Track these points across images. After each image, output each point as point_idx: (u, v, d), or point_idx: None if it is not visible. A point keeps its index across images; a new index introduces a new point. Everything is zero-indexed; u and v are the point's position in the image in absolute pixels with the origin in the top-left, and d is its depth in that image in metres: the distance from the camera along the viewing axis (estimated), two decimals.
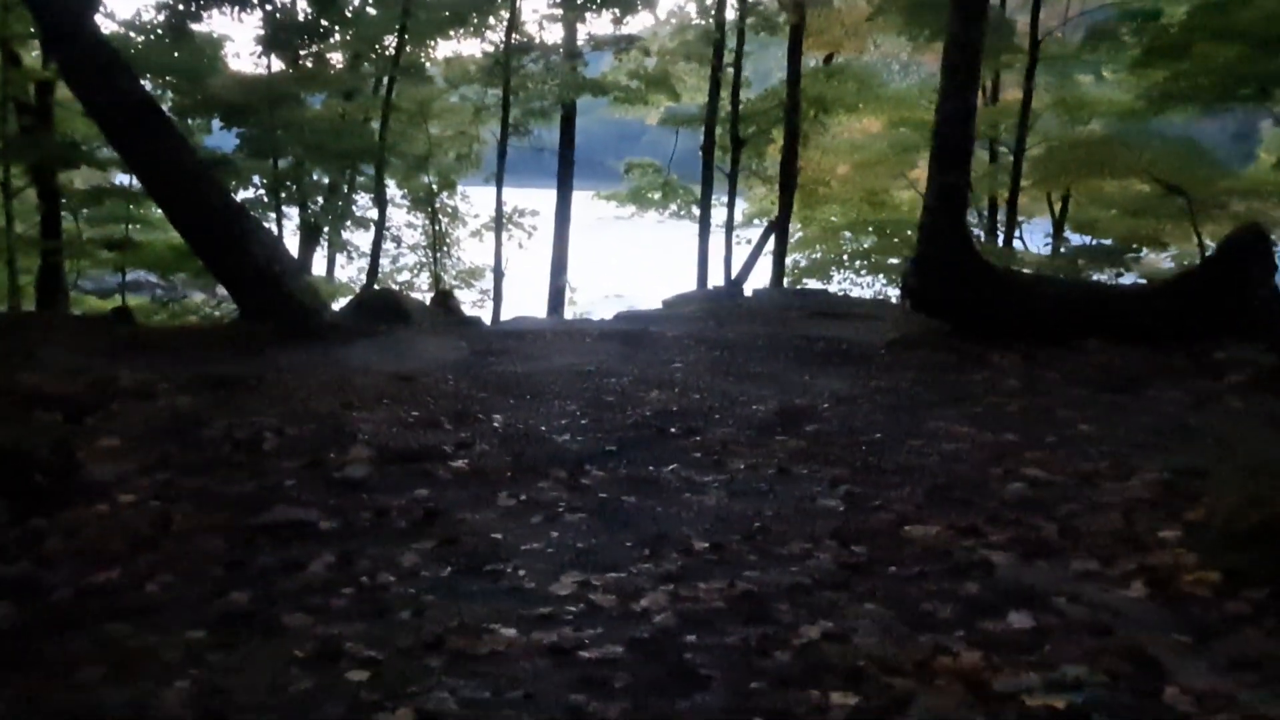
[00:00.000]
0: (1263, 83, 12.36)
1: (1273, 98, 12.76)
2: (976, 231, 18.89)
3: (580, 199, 17.66)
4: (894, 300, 15.78)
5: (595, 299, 17.74)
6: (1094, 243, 15.23)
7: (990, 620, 2.62)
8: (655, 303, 9.93)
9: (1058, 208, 18.18)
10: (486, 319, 12.24)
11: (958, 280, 6.75)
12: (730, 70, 14.95)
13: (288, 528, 3.28)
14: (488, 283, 16.49)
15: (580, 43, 15.03)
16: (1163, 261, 16.94)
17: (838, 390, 5.59)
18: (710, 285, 13.27)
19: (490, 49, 15.21)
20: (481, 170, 17.26)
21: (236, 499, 3.57)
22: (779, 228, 14.45)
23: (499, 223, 15.59)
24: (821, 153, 18.63)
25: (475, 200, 18.02)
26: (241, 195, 13.75)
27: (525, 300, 15.93)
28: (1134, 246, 14.38)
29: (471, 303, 16.12)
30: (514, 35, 14.56)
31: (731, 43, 14.91)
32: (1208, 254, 6.33)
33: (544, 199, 17.32)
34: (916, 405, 5.24)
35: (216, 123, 13.91)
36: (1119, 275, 13.68)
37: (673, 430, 4.72)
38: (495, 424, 4.84)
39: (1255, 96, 12.70)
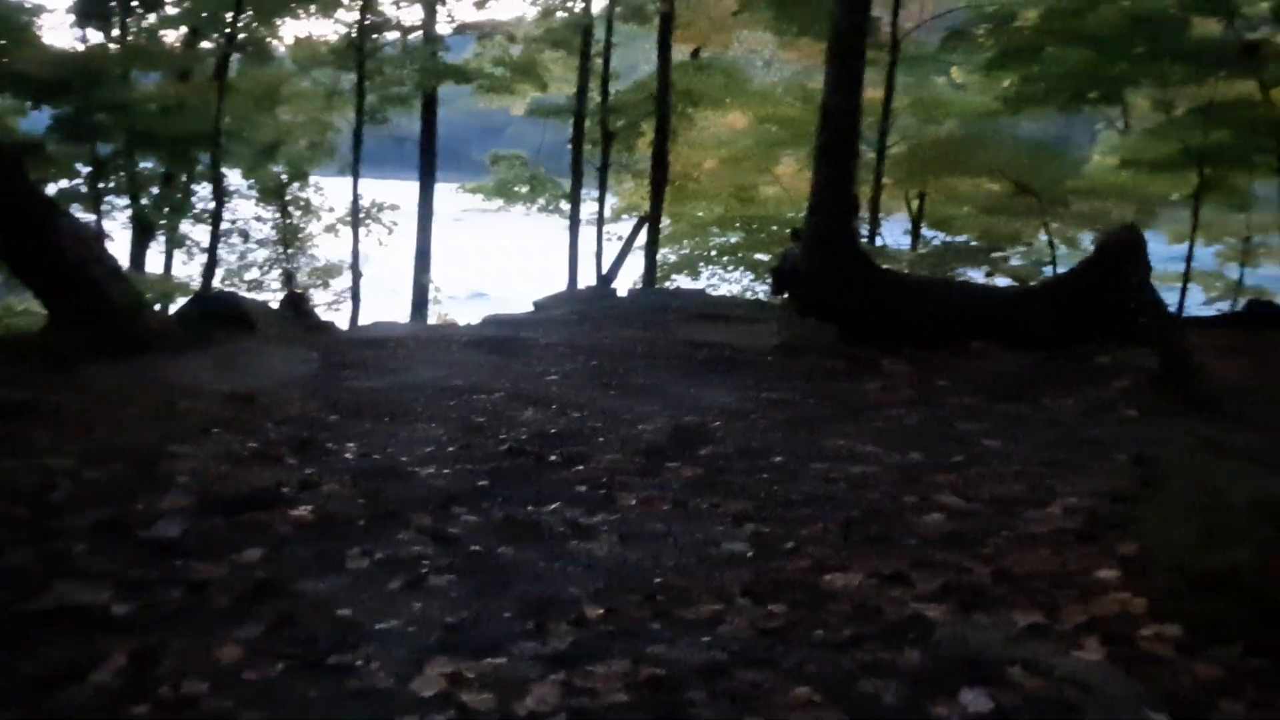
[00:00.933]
0: (1110, 86, 12.85)
1: (1121, 100, 13.29)
2: None
3: (443, 192, 16.80)
4: (764, 298, 15.72)
5: (461, 299, 16.93)
6: (955, 240, 15.52)
7: (943, 702, 2.22)
8: (525, 304, 9.34)
9: (914, 205, 18.62)
10: (344, 323, 11.34)
11: (845, 283, 6.50)
12: (599, 61, 14.45)
13: (69, 615, 2.57)
14: (345, 282, 15.45)
15: (441, 26, 14.21)
16: (1012, 259, 17.59)
17: (728, 404, 5.19)
18: (581, 283, 12.77)
19: (343, 30, 14.19)
20: (336, 160, 16.16)
21: (3, 576, 2.82)
22: (650, 223, 14.09)
23: (355, 217, 14.60)
24: (690, 147, 18.43)
25: (330, 192, 16.86)
26: (59, 185, 12.33)
27: (387, 301, 14.99)
28: (998, 245, 14.70)
29: (327, 304, 15.04)
30: (368, 15, 13.61)
31: (600, 32, 14.41)
32: (1085, 256, 6.23)
33: (405, 192, 16.37)
34: (814, 420, 4.90)
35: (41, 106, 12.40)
36: (990, 275, 13.97)
37: (553, 458, 4.19)
38: (348, 455, 4.19)
39: (1105, 99, 13.19)
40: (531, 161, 16.96)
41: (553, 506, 3.58)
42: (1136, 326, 6.13)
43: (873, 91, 17.55)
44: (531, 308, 8.78)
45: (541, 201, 16.95)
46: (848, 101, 6.39)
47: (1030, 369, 5.91)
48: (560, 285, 13.25)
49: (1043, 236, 16.28)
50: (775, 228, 17.05)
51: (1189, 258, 13.06)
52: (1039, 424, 4.82)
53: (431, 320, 13.66)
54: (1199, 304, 18.37)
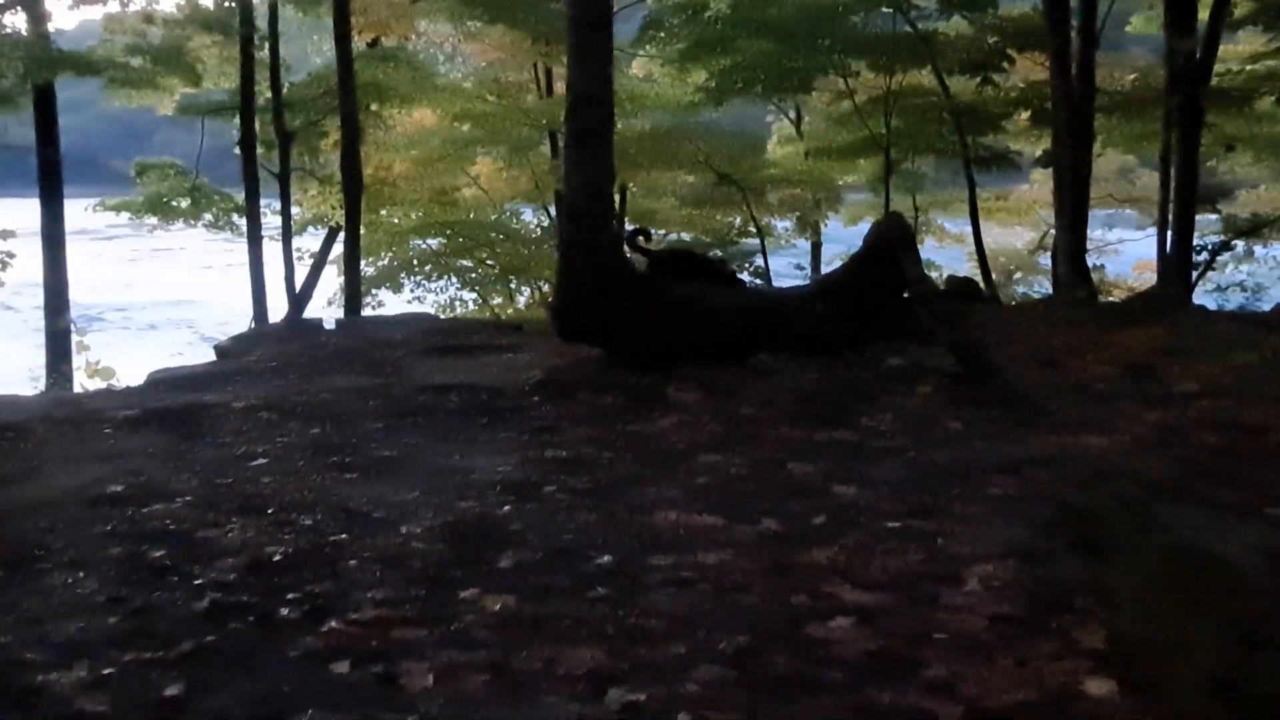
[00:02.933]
0: (802, 76, 13.09)
1: (811, 89, 13.60)
2: (545, 224, 18.48)
3: (77, 211, 13.81)
4: (494, 316, 14.55)
5: (121, 347, 14.01)
6: (683, 237, 15.25)
7: None
8: (206, 349, 7.48)
9: (617, 200, 18.30)
10: None
11: (612, 299, 5.54)
12: (267, 50, 12.39)
13: None
14: None
15: (52, 2, 11.44)
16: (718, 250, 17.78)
17: (509, 474, 4.03)
18: (273, 312, 10.80)
19: None
20: None
21: None
22: (348, 234, 12.33)
23: None
24: (381, 149, 16.76)
25: None
26: None
27: (10, 355, 11.89)
28: (725, 240, 14.57)
29: None
30: None
31: (265, 12, 12.35)
32: (854, 250, 5.74)
33: (24, 212, 13.23)
34: (621, 484, 3.87)
35: None
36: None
37: (285, 612, 2.81)
38: None
39: (799, 88, 13.43)
40: (191, 170, 14.39)
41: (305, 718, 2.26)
42: (914, 321, 5.74)
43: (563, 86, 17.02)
44: (213, 355, 6.97)
45: (209, 217, 14.46)
46: (599, 84, 5.41)
47: (828, 382, 5.31)
48: (248, 315, 11.17)
49: (758, 228, 16.58)
50: (482, 233, 15.92)
51: None
52: (875, 454, 4.15)
53: (80, 382, 10.96)
54: None
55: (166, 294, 24.22)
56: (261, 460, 4.32)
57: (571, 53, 5.43)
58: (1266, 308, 11.63)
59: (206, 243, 16.00)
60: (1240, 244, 12.64)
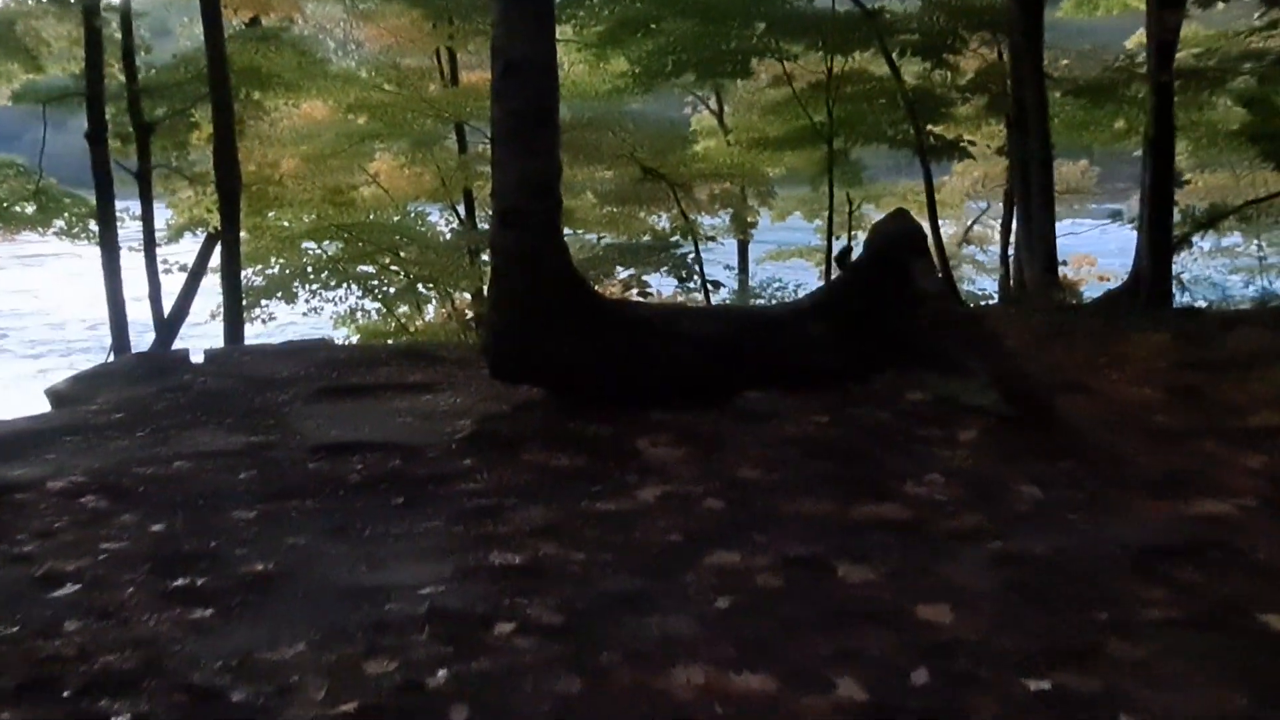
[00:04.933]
0: (738, 58, 12.02)
1: (749, 73, 12.55)
2: (454, 226, 17.01)
3: None
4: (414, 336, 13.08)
5: None
6: (616, 240, 14.02)
7: None
8: (38, 397, 5.93)
9: None
10: None
11: (561, 326, 4.30)
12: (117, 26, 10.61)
13: None
14: None
15: None
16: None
17: (440, 600, 2.75)
18: (135, 343, 9.14)
19: None
20: None
21: None
22: (225, 242, 10.69)
23: None
24: (264, 143, 15.05)
25: None
26: None
27: None
28: (668, 241, 13.37)
29: None
30: None
31: None
32: (855, 256, 4.65)
33: None
34: (608, 613, 2.66)
35: None
36: (685, 280, 12.52)
37: None
38: None
39: (738, 73, 12.36)
40: (35, 170, 12.44)
41: None
42: (929, 343, 4.68)
43: (480, 73, 15.62)
44: (48, 409, 5.45)
45: (60, 224, 12.52)
46: (539, 47, 4.15)
47: (842, 427, 4.19)
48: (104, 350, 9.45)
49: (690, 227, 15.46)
50: (390, 235, 14.44)
51: (829, 233, 12.71)
52: (947, 543, 3.04)
53: None
54: (816, 280, 18.99)
55: (27, 307, 21.75)
56: (71, 588, 2.94)
57: (500, 6, 4.15)
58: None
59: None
60: (1198, 238, 12.14)
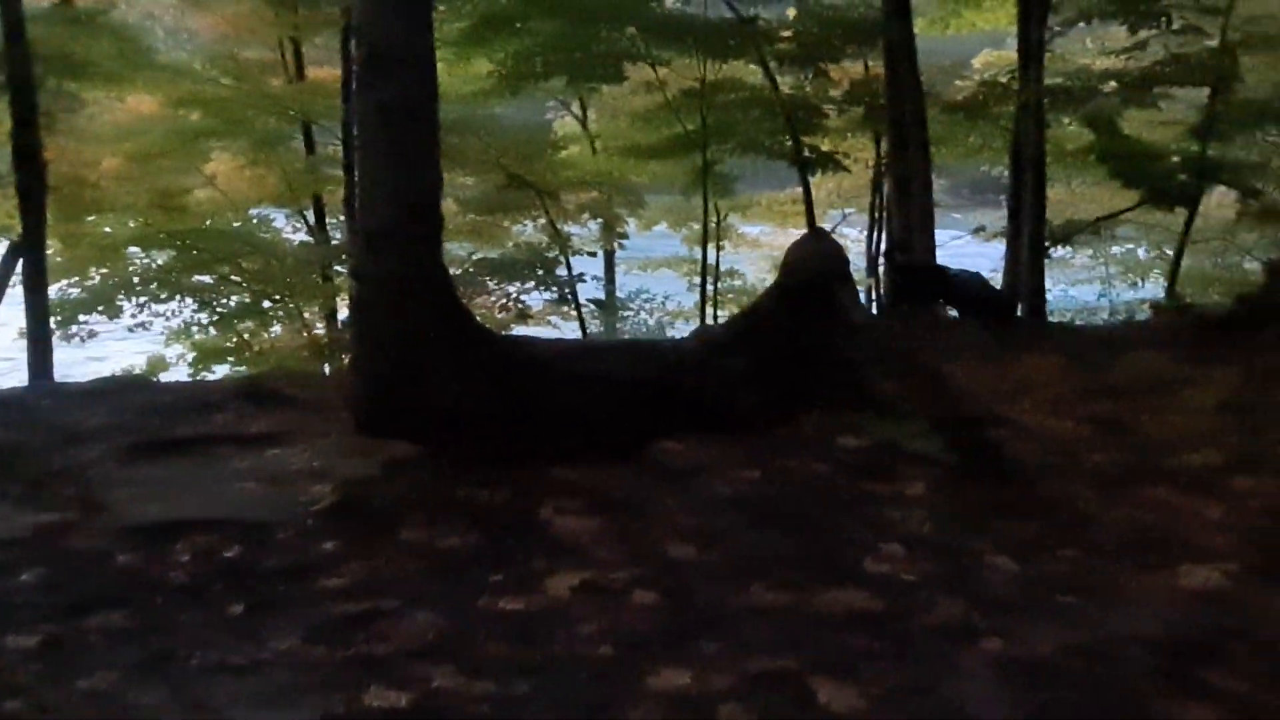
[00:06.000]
0: (610, 63, 11.47)
1: (622, 78, 12.01)
2: (304, 236, 15.73)
3: None
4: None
5: None
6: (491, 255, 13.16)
7: None
8: None
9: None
10: None
11: (447, 372, 3.57)
12: None
13: None
14: None
15: None
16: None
17: None
18: None
19: None
20: None
21: None
22: (29, 251, 9.25)
23: None
24: (79, 139, 13.36)
25: None
26: None
27: None
28: (554, 255, 12.61)
29: None
30: None
31: None
32: (770, 282, 4.17)
33: None
34: None
35: None
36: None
37: None
38: None
39: (611, 77, 11.80)
40: None
41: None
42: (855, 376, 4.23)
43: (330, 69, 14.45)
44: None
45: None
46: (413, 31, 3.41)
47: (777, 484, 3.65)
48: None
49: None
50: (227, 244, 13.12)
51: (705, 244, 12.34)
52: (935, 644, 2.53)
53: None
54: (683, 289, 18.67)
55: None
56: None
57: (366, 11, 3.38)
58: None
59: None
60: (1059, 250, 12.45)
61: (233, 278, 13.70)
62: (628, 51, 11.06)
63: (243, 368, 12.99)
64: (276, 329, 13.73)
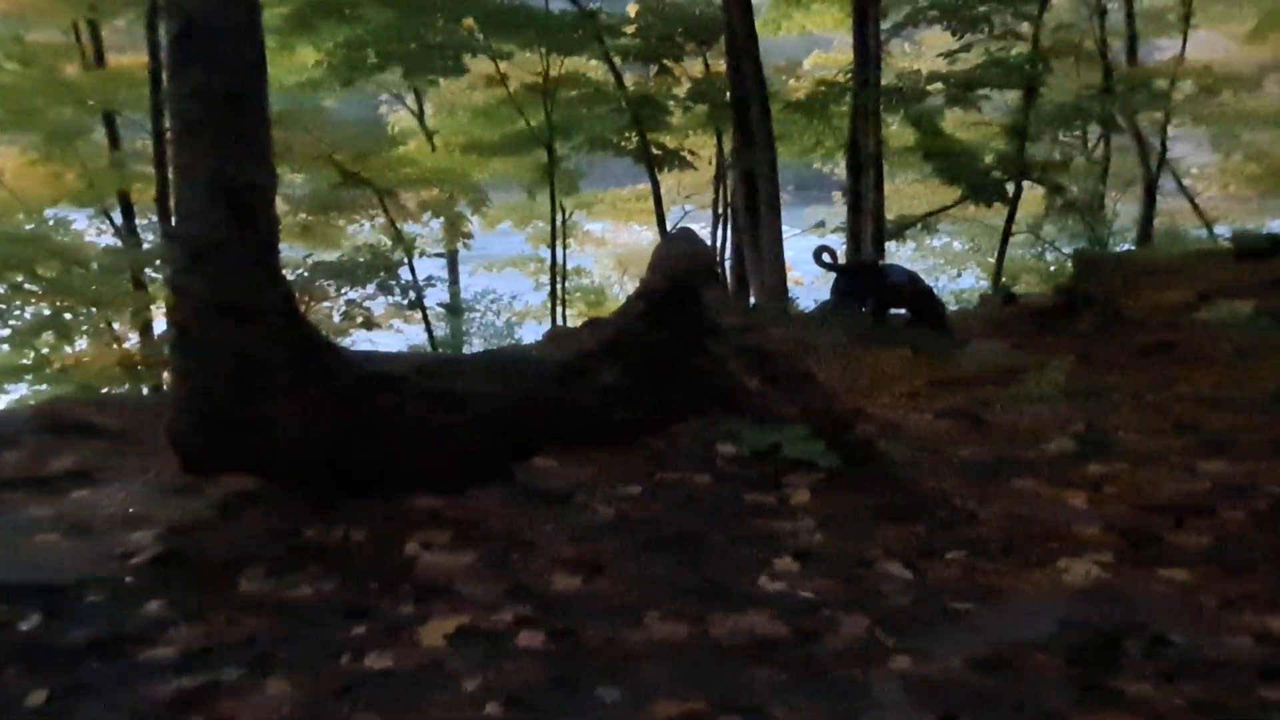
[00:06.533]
0: (448, 55, 10.99)
1: (463, 70, 11.54)
2: (110, 238, 14.37)
3: None
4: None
5: None
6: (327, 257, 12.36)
7: None
8: None
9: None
10: None
11: (289, 398, 3.17)
12: None
13: None
14: None
15: None
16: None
17: None
18: None
19: None
20: None
21: None
22: None
23: None
24: None
25: None
26: None
27: None
28: (397, 257, 11.92)
29: None
30: None
31: None
32: (617, 279, 3.95)
33: None
34: None
35: None
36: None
37: None
38: None
39: (451, 70, 11.30)
40: None
41: None
42: (722, 380, 4.12)
43: (135, 54, 13.24)
44: None
45: None
46: (238, 2, 2.98)
47: (660, 501, 3.45)
48: None
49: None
50: (19, 249, 11.80)
51: (553, 242, 12.08)
52: (851, 669, 2.39)
53: None
54: (530, 289, 18.33)
55: None
56: None
57: None
58: None
59: None
60: (891, 244, 12.91)
61: (27, 286, 12.34)
62: (467, 43, 10.64)
63: (43, 386, 11.77)
64: (82, 343, 12.45)
